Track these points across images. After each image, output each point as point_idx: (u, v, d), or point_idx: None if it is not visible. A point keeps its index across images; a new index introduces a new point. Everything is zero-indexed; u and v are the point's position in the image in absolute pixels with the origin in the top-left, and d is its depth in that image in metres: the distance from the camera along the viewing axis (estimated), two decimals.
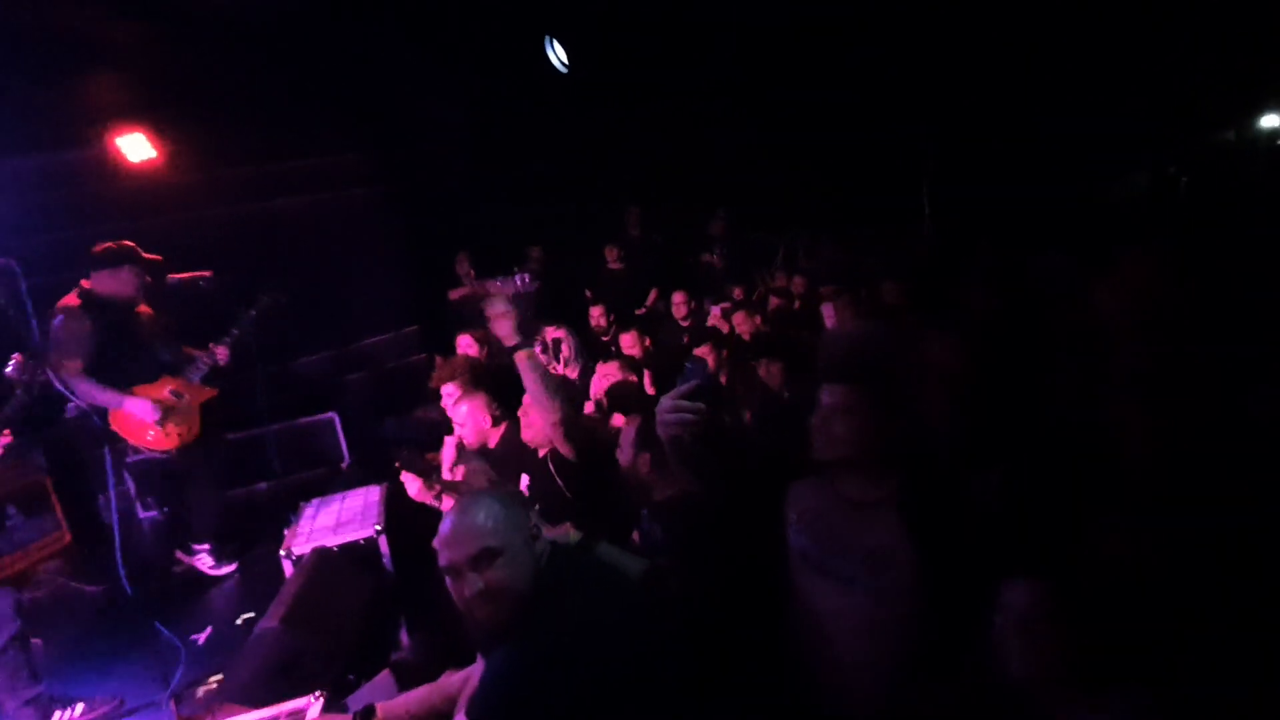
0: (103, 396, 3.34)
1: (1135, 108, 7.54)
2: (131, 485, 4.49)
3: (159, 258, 3.57)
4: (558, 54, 5.44)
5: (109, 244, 3.46)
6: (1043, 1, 6.47)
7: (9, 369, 2.74)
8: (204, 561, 3.79)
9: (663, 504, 2.00)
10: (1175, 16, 6.60)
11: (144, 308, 3.67)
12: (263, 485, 4.47)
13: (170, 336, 3.75)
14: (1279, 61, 7.29)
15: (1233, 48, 6.97)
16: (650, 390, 3.65)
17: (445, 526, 1.52)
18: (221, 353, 3.73)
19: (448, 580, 1.50)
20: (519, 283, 6.48)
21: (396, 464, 2.94)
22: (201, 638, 3.20)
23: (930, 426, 1.54)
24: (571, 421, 2.50)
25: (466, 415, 3.05)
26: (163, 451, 3.58)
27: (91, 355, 3.32)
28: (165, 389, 3.57)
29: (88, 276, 3.44)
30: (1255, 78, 7.71)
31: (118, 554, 2.37)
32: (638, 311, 6.44)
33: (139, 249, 3.51)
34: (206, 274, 3.60)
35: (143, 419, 3.45)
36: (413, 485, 2.96)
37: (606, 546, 1.80)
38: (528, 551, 1.50)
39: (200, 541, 3.79)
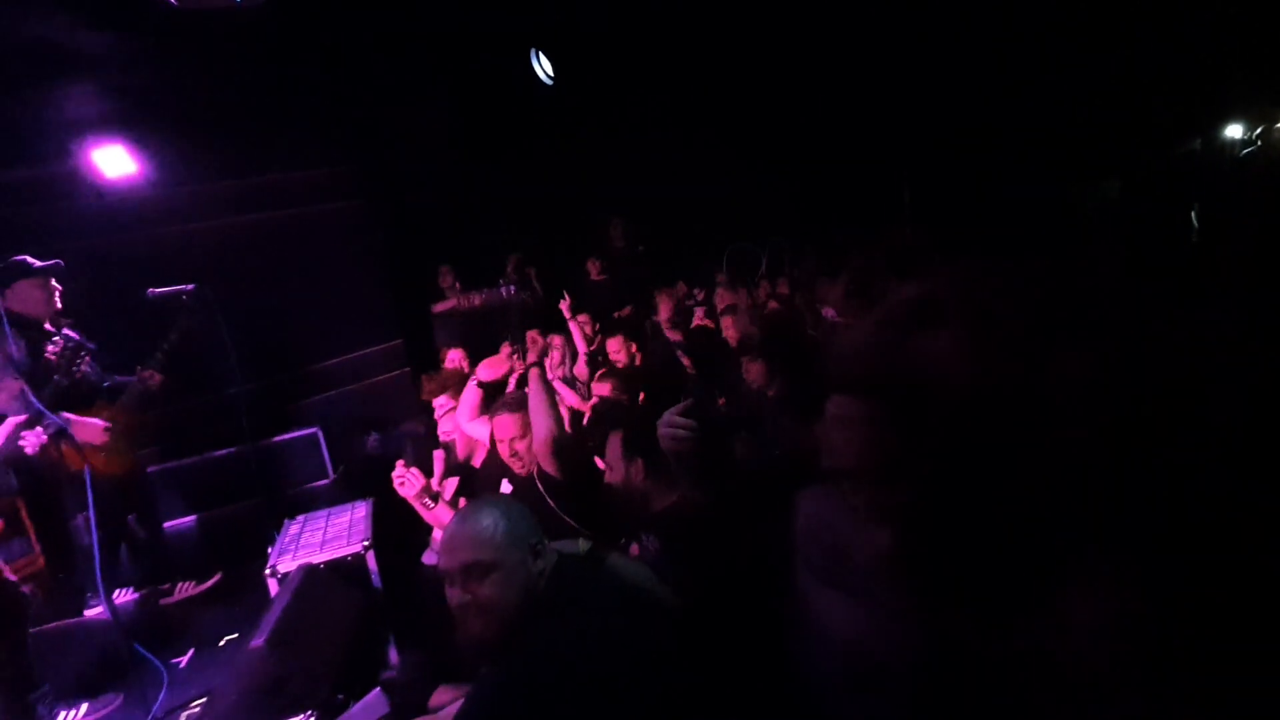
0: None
1: (1107, 118, 7.75)
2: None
3: (59, 261, 3.36)
4: (543, 66, 5.46)
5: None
6: (1018, 15, 6.65)
7: None
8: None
9: (661, 514, 1.98)
10: (1145, 32, 6.81)
11: (67, 330, 3.43)
12: (245, 503, 4.38)
13: (97, 362, 3.53)
14: (1242, 74, 7.55)
15: (1199, 61, 7.20)
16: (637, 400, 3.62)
17: (447, 531, 1.52)
18: (153, 376, 3.51)
19: (445, 587, 1.48)
20: (504, 293, 6.47)
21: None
22: (184, 660, 3.12)
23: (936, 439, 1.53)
24: (563, 441, 2.47)
25: (456, 428, 3.05)
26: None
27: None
28: (99, 416, 3.34)
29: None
30: (1220, 90, 7.97)
31: (98, 576, 2.30)
32: (616, 315, 6.43)
33: (29, 260, 3.30)
34: (188, 288, 3.52)
35: (91, 441, 3.22)
36: (415, 485, 2.67)
37: (617, 556, 1.75)
38: (524, 568, 1.47)
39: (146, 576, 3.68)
